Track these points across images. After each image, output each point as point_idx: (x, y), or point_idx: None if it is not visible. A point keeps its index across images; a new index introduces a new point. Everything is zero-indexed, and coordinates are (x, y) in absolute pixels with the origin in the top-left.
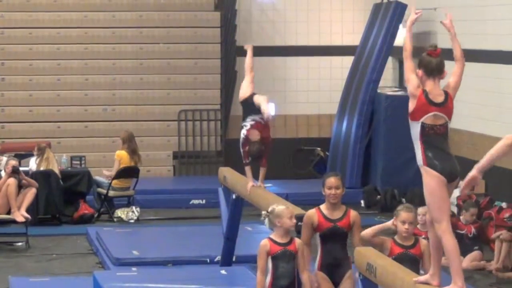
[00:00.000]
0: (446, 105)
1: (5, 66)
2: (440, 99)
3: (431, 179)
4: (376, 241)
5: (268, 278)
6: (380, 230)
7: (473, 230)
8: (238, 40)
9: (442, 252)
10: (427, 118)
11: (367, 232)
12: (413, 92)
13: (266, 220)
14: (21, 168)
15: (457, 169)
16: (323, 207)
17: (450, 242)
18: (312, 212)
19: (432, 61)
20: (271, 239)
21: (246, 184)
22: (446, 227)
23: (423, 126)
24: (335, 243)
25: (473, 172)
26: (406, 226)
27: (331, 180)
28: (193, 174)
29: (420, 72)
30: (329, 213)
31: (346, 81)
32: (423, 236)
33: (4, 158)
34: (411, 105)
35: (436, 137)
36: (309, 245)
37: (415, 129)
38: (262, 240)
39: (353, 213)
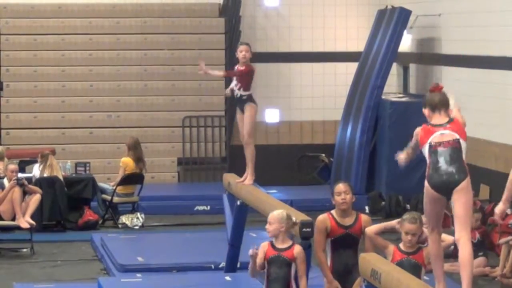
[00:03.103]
0: (452, 123)
1: (9, 72)
2: (444, 120)
3: (425, 190)
4: (379, 241)
5: (265, 282)
6: (384, 228)
7: (477, 235)
8: None
9: (442, 261)
10: (434, 137)
11: (371, 229)
12: (417, 139)
13: None
14: (24, 175)
15: (448, 183)
16: (334, 213)
17: (432, 248)
18: (324, 217)
19: (434, 97)
20: (271, 243)
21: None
22: (434, 235)
23: (430, 144)
24: (346, 250)
25: (500, 206)
26: (409, 237)
27: (340, 186)
28: (198, 180)
29: (426, 110)
30: (341, 219)
31: (350, 87)
32: (426, 244)
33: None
34: (418, 140)
35: (442, 151)
36: (325, 250)
37: (424, 151)
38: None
39: (364, 218)
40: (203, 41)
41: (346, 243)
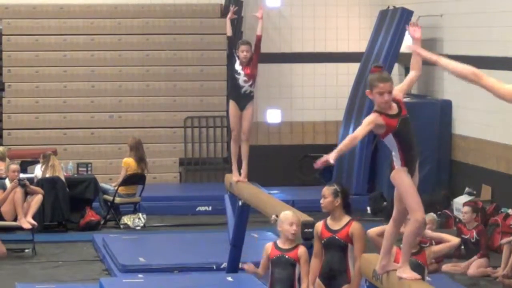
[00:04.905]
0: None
1: (11, 73)
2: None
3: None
4: (381, 243)
5: (269, 282)
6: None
7: (474, 234)
8: None
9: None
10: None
11: (374, 230)
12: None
13: (277, 224)
14: (26, 175)
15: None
16: (329, 217)
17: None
18: (318, 223)
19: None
20: (274, 243)
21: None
22: None
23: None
24: (333, 254)
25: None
26: None
27: (323, 189)
28: (199, 180)
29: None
30: (332, 223)
31: (352, 88)
32: (427, 244)
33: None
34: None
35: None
36: (318, 256)
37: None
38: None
39: (354, 225)
40: (205, 42)
41: (332, 247)
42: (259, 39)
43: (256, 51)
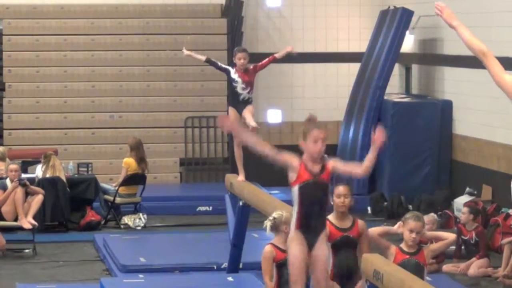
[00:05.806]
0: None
1: (12, 73)
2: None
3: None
4: (382, 242)
5: (275, 283)
6: (386, 232)
7: (474, 236)
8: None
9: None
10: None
11: (375, 229)
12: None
13: (269, 225)
14: (27, 175)
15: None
16: (331, 217)
17: None
18: None
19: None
20: (275, 246)
21: (248, 185)
22: None
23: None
24: (347, 253)
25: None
26: (413, 235)
27: (340, 189)
28: (200, 181)
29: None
30: (339, 222)
31: (352, 88)
32: (427, 244)
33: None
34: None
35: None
36: None
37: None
38: (266, 246)
39: (360, 222)
40: (205, 42)
41: (346, 246)
42: (272, 60)
43: (262, 65)
